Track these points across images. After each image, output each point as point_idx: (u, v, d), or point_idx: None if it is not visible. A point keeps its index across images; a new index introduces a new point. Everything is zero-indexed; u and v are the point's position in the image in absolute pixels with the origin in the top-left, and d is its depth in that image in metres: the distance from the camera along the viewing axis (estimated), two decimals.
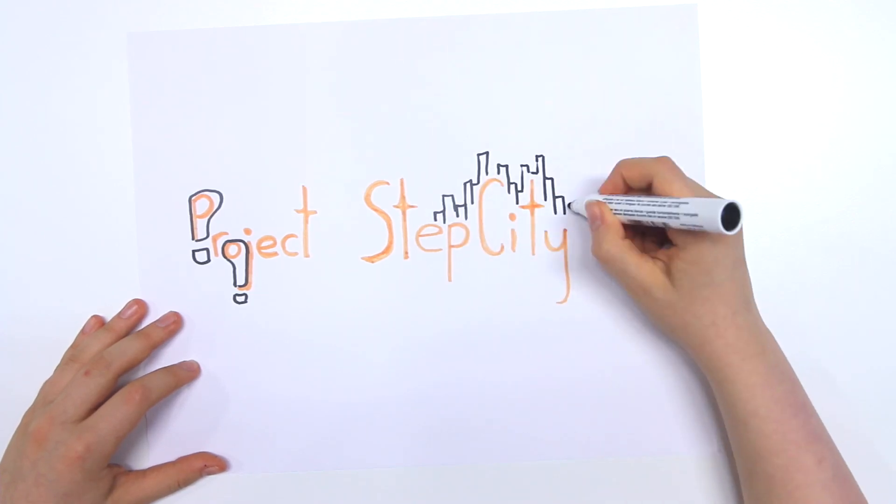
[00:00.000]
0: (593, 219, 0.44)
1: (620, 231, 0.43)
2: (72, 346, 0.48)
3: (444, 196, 0.49)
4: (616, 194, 0.44)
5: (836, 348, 0.49)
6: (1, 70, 0.49)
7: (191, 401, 0.49)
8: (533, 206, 0.49)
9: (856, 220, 0.49)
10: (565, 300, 0.49)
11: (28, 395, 0.46)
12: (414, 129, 0.49)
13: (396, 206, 0.49)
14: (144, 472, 0.47)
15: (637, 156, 0.45)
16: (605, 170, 0.47)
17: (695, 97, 0.48)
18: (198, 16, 0.49)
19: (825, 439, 0.41)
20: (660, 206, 0.40)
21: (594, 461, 0.49)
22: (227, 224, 0.49)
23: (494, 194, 0.49)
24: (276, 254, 0.49)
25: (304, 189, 0.49)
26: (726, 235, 0.37)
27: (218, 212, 0.49)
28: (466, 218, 0.49)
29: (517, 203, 0.49)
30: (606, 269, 0.45)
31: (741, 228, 0.39)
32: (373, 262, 0.49)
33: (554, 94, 0.48)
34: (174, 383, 0.47)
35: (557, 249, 0.49)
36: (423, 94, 0.49)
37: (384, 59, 0.49)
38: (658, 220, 0.40)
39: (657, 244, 0.46)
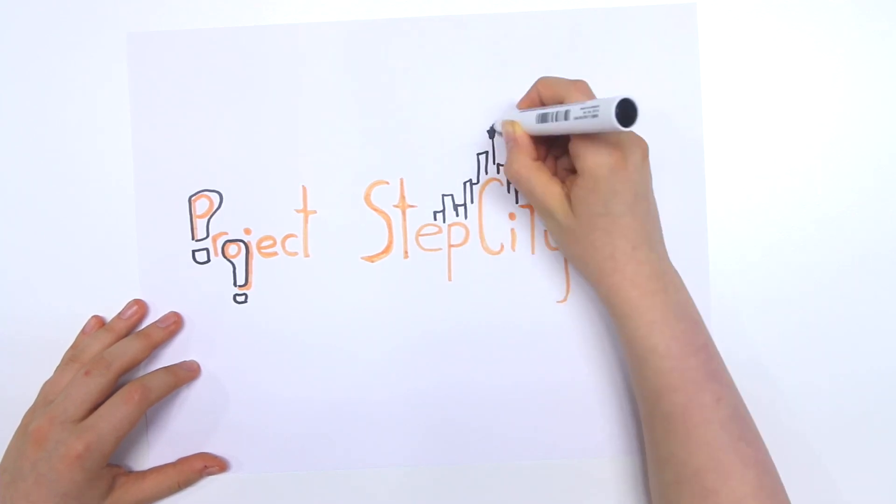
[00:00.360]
0: (507, 138, 0.44)
1: (531, 152, 0.43)
2: (72, 347, 0.48)
3: (443, 196, 0.49)
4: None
5: (836, 349, 0.49)
6: (1, 70, 0.49)
7: (191, 401, 0.49)
8: None
9: (856, 221, 0.49)
10: (565, 299, 0.49)
11: (28, 395, 0.46)
12: (414, 128, 0.49)
13: (396, 206, 0.49)
14: (144, 473, 0.47)
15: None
16: None
17: (694, 96, 0.48)
18: (197, 16, 0.49)
19: (725, 379, 0.41)
20: (562, 108, 0.39)
21: (594, 460, 0.49)
22: (226, 224, 0.49)
23: (494, 194, 0.49)
24: (276, 254, 0.49)
25: (304, 189, 0.49)
26: (626, 166, 0.38)
27: (218, 212, 0.49)
28: (466, 217, 0.49)
29: (517, 202, 0.49)
30: (517, 187, 0.45)
31: (637, 142, 0.40)
32: (373, 261, 0.49)
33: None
34: (174, 383, 0.47)
35: (557, 249, 0.49)
36: (424, 94, 0.49)
37: (384, 58, 0.49)
38: (559, 127, 0.40)
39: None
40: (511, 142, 0.44)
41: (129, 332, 0.48)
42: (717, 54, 0.49)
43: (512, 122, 0.44)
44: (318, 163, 0.49)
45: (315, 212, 0.49)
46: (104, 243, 0.49)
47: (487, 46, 0.49)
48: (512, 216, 0.49)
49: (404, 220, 0.49)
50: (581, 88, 0.41)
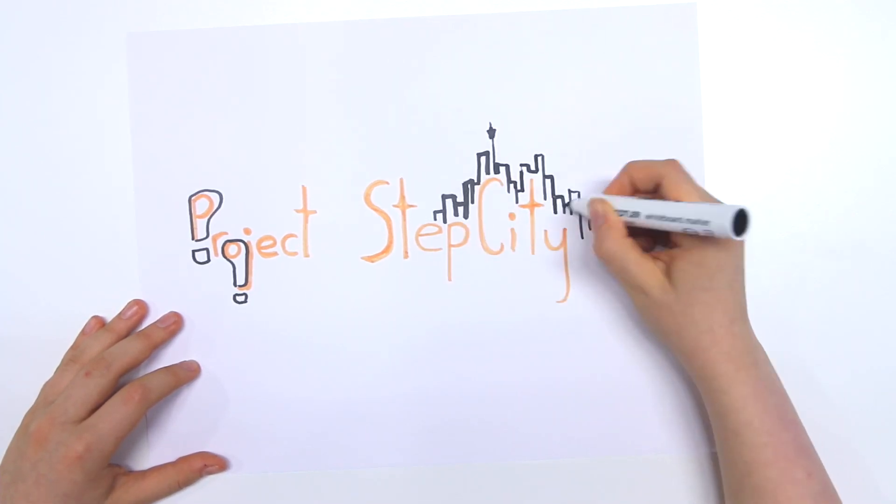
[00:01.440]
0: (595, 217, 0.44)
1: (623, 230, 0.43)
2: (72, 347, 0.48)
3: (443, 196, 0.49)
4: (622, 195, 0.45)
5: (836, 349, 0.49)
6: (1, 70, 0.49)
7: (191, 401, 0.49)
8: (533, 205, 0.49)
9: (856, 221, 0.49)
10: (565, 299, 0.49)
11: (28, 395, 0.46)
12: (414, 128, 0.49)
13: (396, 206, 0.49)
14: (144, 473, 0.47)
15: (638, 154, 0.45)
16: (604, 168, 0.47)
17: (694, 96, 0.48)
18: (197, 16, 0.49)
19: (813, 454, 0.41)
20: (669, 209, 0.40)
21: (594, 460, 0.49)
22: (226, 224, 0.49)
23: (494, 194, 0.49)
24: (275, 254, 0.49)
25: (304, 189, 0.49)
26: (733, 241, 0.37)
27: (218, 212, 0.49)
28: (466, 217, 0.49)
29: (517, 202, 0.49)
30: (608, 267, 0.45)
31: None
32: (373, 261, 0.49)
33: (553, 93, 0.48)
34: (174, 383, 0.47)
35: (557, 248, 0.49)
36: (423, 94, 0.49)
37: (384, 58, 0.49)
38: (665, 225, 0.40)
39: (659, 245, 0.46)
40: (601, 220, 0.44)
41: (129, 333, 0.48)
42: (717, 54, 0.49)
43: (602, 201, 0.44)
44: (318, 163, 0.49)
45: (315, 212, 0.49)
46: (104, 243, 0.49)
47: (487, 46, 0.49)
48: (512, 216, 0.49)
49: (404, 219, 0.49)
50: (675, 167, 0.42)
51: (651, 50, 0.48)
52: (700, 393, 0.44)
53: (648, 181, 0.43)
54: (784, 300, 0.49)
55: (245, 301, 0.49)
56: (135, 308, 0.48)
